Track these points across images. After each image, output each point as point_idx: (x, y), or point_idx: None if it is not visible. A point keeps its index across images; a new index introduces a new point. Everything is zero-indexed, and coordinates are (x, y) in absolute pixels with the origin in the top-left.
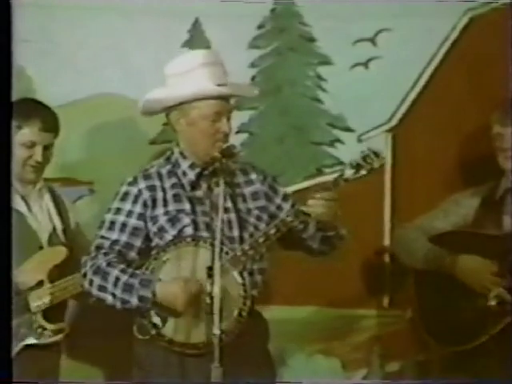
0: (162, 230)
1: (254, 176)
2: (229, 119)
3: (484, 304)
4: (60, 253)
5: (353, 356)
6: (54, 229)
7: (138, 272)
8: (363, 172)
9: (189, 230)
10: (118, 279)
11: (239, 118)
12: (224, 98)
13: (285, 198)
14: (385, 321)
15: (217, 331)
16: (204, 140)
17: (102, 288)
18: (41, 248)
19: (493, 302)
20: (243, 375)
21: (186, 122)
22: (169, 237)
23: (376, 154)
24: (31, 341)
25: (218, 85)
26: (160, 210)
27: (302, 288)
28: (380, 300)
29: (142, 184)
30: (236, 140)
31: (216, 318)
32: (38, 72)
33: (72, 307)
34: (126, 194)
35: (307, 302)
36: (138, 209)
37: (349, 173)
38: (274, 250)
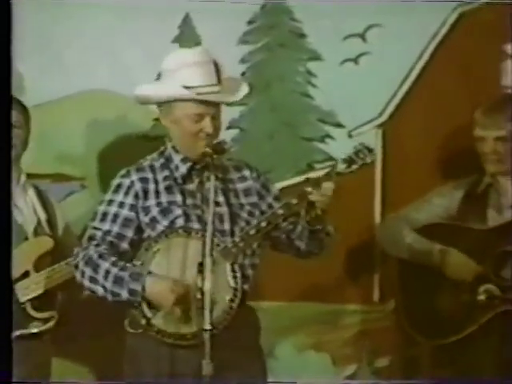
0: (153, 220)
1: (247, 173)
2: (214, 119)
3: (471, 296)
4: (45, 243)
5: (343, 351)
6: (39, 221)
7: (128, 265)
8: (355, 166)
9: (180, 221)
10: (108, 272)
11: (229, 113)
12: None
13: (276, 198)
14: (375, 316)
15: (208, 326)
16: (188, 138)
17: (93, 280)
18: (26, 239)
19: (482, 297)
20: (234, 369)
21: (170, 119)
22: (161, 227)
23: (369, 150)
24: (21, 331)
25: (205, 85)
26: (152, 201)
27: (293, 283)
28: (370, 295)
29: (135, 176)
30: (226, 136)
31: (207, 313)
32: (29, 69)
33: (62, 301)
34: (119, 185)
35: (298, 297)
36: (130, 200)
37: (341, 167)
38: (266, 246)
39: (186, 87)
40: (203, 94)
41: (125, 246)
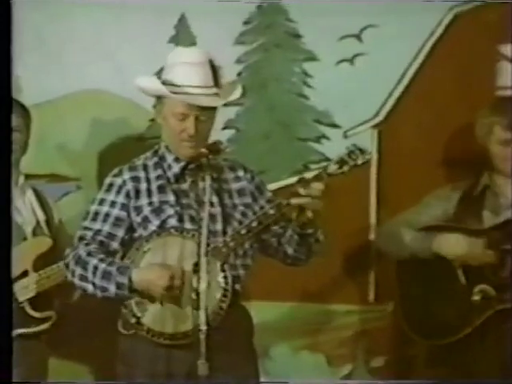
0: (145, 220)
1: (241, 174)
2: (199, 121)
3: (466, 296)
4: (44, 243)
5: (338, 351)
6: (38, 222)
7: (116, 260)
8: (347, 168)
9: (172, 221)
10: (96, 268)
11: (226, 114)
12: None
13: (269, 201)
14: (370, 316)
15: (203, 327)
16: (173, 137)
17: (82, 278)
18: (25, 240)
19: (477, 297)
20: (226, 370)
21: (162, 116)
22: (152, 227)
23: (361, 151)
24: (20, 330)
25: (195, 86)
26: (144, 201)
27: (288, 284)
28: (365, 295)
29: (127, 175)
30: (222, 136)
31: (202, 313)
32: (26, 69)
33: (60, 301)
34: (111, 185)
35: (293, 297)
36: (121, 199)
37: (333, 168)
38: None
39: (174, 85)
40: (188, 95)
41: (115, 245)
